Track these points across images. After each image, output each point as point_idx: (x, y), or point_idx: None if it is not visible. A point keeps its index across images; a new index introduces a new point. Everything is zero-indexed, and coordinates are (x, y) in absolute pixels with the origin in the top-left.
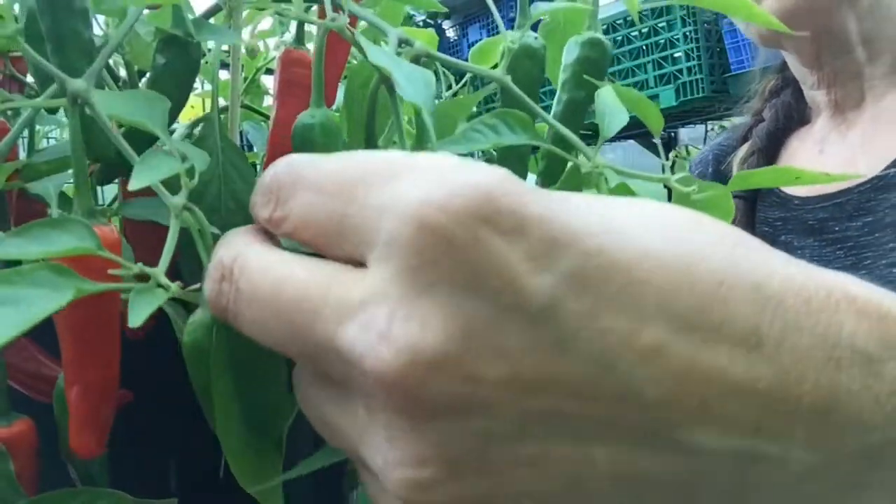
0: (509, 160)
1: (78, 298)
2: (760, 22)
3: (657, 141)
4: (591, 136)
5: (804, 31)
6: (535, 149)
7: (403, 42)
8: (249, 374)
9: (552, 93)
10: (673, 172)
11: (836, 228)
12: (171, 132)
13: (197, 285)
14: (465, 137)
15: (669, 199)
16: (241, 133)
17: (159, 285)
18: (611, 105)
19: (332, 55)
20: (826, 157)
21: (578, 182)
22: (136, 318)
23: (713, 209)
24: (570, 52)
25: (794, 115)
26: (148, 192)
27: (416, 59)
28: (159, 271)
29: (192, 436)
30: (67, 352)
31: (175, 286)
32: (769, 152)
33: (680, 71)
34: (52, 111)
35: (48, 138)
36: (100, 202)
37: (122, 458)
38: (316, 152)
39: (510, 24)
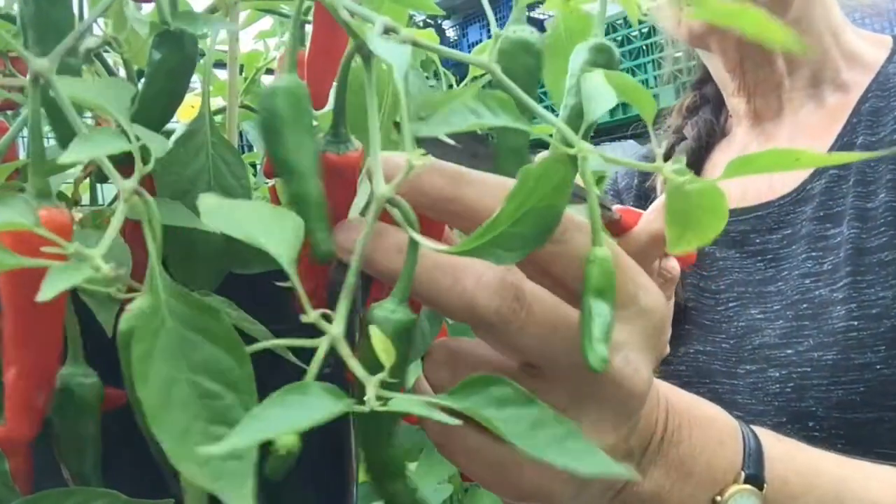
0: (505, 154)
1: (16, 279)
2: (776, 39)
3: (651, 131)
4: (600, 135)
5: (733, 33)
6: (533, 146)
7: (390, 30)
8: (202, 361)
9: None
10: None
11: (757, 241)
12: (171, 131)
13: (124, 269)
14: (443, 120)
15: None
16: (240, 133)
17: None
18: (597, 87)
19: (325, 49)
20: None
21: (567, 171)
22: (47, 291)
23: (705, 204)
24: (576, 58)
25: (716, 131)
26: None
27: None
28: (96, 253)
29: None
30: (7, 333)
31: (107, 268)
32: (693, 169)
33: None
34: None
35: (47, 138)
36: (100, 201)
37: (118, 458)
38: (276, 118)
39: None
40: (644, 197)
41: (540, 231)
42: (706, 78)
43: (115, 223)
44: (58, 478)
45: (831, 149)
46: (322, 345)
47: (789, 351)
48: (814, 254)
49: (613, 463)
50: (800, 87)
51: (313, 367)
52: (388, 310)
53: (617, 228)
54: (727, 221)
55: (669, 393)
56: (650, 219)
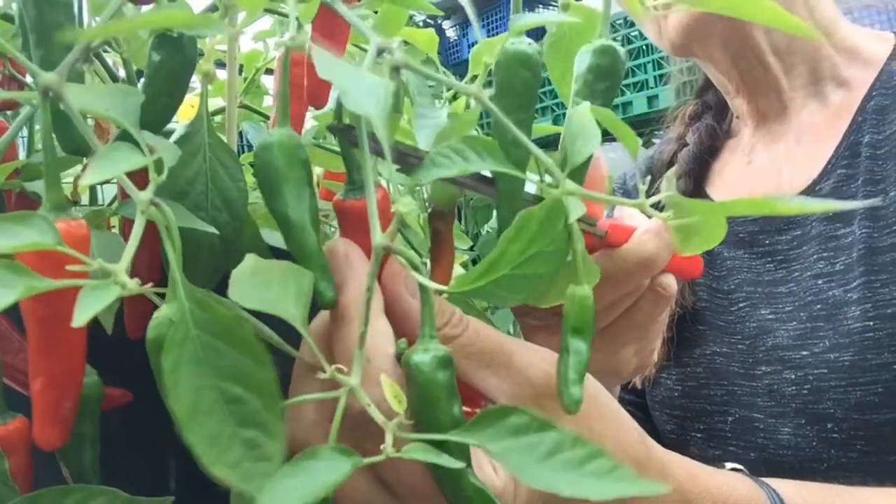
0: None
1: (39, 293)
2: (788, 27)
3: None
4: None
5: (714, 38)
6: (544, 143)
7: (383, 51)
8: (227, 367)
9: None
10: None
11: (766, 241)
12: (170, 132)
13: (150, 284)
14: (431, 164)
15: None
16: (240, 133)
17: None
18: (584, 126)
19: (329, 36)
20: (754, 168)
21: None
22: (81, 315)
23: (705, 218)
24: (581, 61)
25: (718, 134)
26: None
27: (395, 69)
28: (120, 268)
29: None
30: (33, 344)
31: (133, 283)
32: (697, 173)
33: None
34: None
35: None
36: (99, 202)
37: (119, 457)
38: (275, 171)
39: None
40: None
41: (548, 273)
42: (707, 85)
43: (136, 234)
44: (57, 476)
45: (838, 147)
46: (342, 397)
47: (804, 352)
48: (825, 254)
49: (640, 481)
50: (799, 86)
51: (336, 421)
52: (422, 350)
53: (603, 245)
54: (736, 222)
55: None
56: (641, 240)
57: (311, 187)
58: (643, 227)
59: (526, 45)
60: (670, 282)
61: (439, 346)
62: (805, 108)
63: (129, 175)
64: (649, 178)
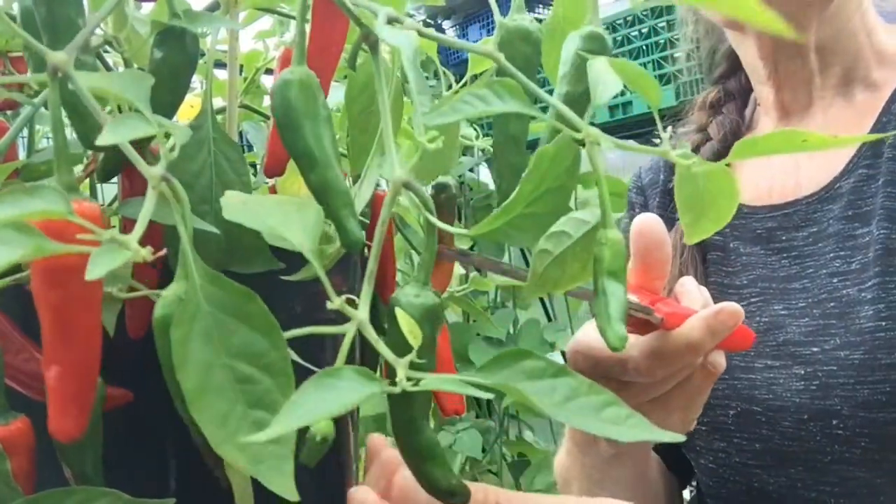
0: (506, 147)
1: (49, 276)
2: (770, 27)
3: (657, 119)
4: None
5: (776, 14)
6: (531, 145)
7: (393, 20)
8: (238, 345)
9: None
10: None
11: (783, 238)
12: None
13: (164, 252)
14: (452, 108)
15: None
16: (240, 133)
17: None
18: (603, 73)
19: (323, 45)
20: (773, 163)
21: (576, 153)
22: (94, 270)
23: (715, 187)
24: (569, 46)
25: (742, 131)
26: (145, 191)
27: (373, 49)
28: (132, 238)
29: (191, 435)
30: (47, 332)
31: (145, 251)
32: None
33: (680, 71)
34: None
35: (47, 138)
36: (99, 202)
37: (118, 457)
38: (293, 110)
39: None
40: (671, 195)
41: (552, 211)
42: (728, 73)
43: (147, 208)
44: (60, 477)
45: (860, 147)
46: (350, 329)
47: (815, 349)
48: (842, 253)
49: (654, 428)
50: (831, 85)
51: (343, 351)
52: (412, 294)
53: (661, 328)
54: (754, 218)
55: None
56: (692, 325)
57: (331, 126)
58: (694, 316)
59: (527, 21)
60: (720, 360)
61: (430, 293)
62: (831, 107)
63: (129, 177)
64: (669, 171)
